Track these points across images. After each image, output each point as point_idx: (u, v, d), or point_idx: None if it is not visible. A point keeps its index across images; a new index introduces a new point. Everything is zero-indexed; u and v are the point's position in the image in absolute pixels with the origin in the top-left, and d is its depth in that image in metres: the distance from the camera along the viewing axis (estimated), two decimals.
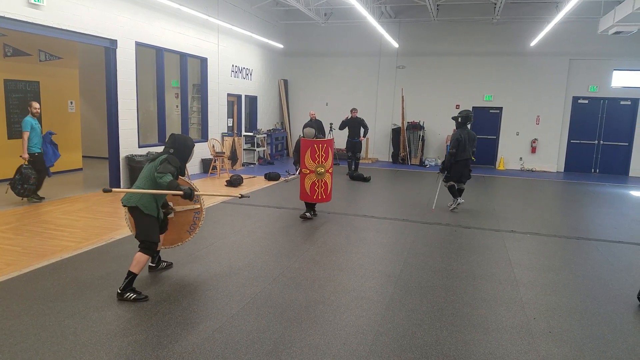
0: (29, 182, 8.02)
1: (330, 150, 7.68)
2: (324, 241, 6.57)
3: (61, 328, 3.77)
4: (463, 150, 8.52)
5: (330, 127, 15.95)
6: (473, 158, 8.75)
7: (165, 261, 5.29)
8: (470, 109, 16.26)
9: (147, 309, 4.19)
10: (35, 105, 8.18)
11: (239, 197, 5.04)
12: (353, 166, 12.91)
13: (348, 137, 13.03)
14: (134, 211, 4.51)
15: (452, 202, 8.91)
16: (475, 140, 8.74)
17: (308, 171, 7.59)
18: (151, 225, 4.52)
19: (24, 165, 8.00)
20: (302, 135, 7.84)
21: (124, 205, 4.57)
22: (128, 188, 6.27)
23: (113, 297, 4.40)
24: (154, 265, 5.17)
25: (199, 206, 5.11)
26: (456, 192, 8.82)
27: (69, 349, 3.46)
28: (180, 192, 4.38)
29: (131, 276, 4.38)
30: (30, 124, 8.00)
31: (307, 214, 7.86)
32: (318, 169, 7.55)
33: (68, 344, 3.53)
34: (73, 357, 3.35)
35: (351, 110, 13.05)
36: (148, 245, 4.48)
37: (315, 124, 12.71)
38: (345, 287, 4.90)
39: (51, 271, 5.03)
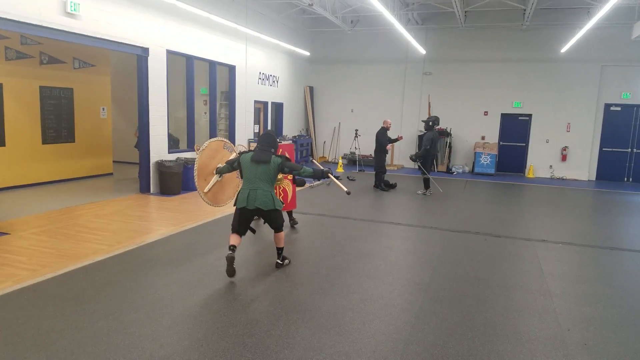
0: None
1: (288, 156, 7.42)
2: (351, 248, 6.55)
3: (95, 329, 3.84)
4: (434, 147, 11.26)
5: (356, 134, 15.97)
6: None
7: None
8: (500, 114, 16.14)
9: (178, 312, 4.23)
10: None
11: (347, 194, 5.63)
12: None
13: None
14: (272, 212, 5.29)
15: (424, 191, 11.21)
16: (439, 139, 11.81)
17: None
18: (281, 214, 5.50)
19: None
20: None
21: (264, 209, 5.19)
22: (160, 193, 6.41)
23: (145, 299, 4.47)
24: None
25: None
26: (429, 184, 11.19)
27: (102, 350, 3.52)
28: (328, 171, 5.47)
29: (281, 249, 5.53)
30: None
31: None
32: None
33: (102, 345, 3.60)
34: (107, 358, 3.41)
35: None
36: (281, 225, 5.44)
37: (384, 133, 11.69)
38: (373, 294, 4.87)
39: (85, 273, 5.14)
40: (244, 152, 5.50)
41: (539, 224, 8.54)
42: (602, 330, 4.22)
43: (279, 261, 5.58)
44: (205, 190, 5.80)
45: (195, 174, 5.78)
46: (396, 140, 11.95)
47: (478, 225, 8.27)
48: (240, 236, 5.32)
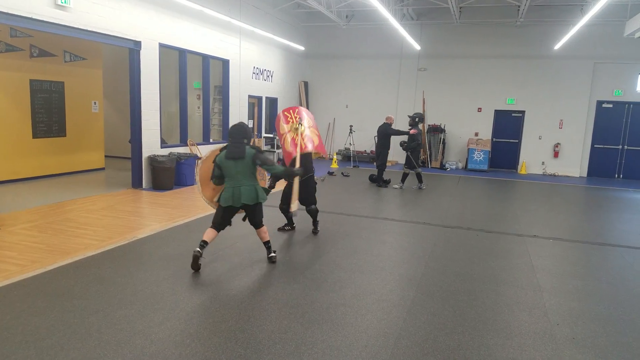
0: None
1: (304, 114, 6.77)
2: (345, 243, 6.56)
3: (85, 325, 3.82)
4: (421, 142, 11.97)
5: (350, 130, 15.97)
6: None
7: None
8: (494, 111, 16.18)
9: (170, 308, 4.22)
10: None
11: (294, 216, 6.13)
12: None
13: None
14: (257, 205, 5.35)
15: (419, 185, 11.59)
16: None
17: (284, 139, 6.68)
18: (262, 207, 5.50)
19: None
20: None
21: (250, 204, 5.22)
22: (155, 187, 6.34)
23: (136, 295, 4.45)
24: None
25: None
26: (405, 179, 11.59)
27: (93, 346, 3.50)
28: (298, 173, 5.77)
29: (268, 242, 5.55)
30: None
31: (286, 227, 7.18)
32: (294, 127, 6.53)
33: (92, 341, 3.58)
34: (97, 354, 3.39)
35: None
36: (261, 220, 5.48)
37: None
38: (366, 289, 4.88)
39: (75, 269, 5.11)
40: (217, 154, 5.26)
41: (530, 220, 8.59)
42: (590, 325, 4.25)
43: (272, 254, 5.58)
44: (215, 200, 5.65)
45: (198, 184, 5.61)
46: (407, 133, 11.46)
47: (470, 221, 8.30)
48: (218, 231, 5.32)
